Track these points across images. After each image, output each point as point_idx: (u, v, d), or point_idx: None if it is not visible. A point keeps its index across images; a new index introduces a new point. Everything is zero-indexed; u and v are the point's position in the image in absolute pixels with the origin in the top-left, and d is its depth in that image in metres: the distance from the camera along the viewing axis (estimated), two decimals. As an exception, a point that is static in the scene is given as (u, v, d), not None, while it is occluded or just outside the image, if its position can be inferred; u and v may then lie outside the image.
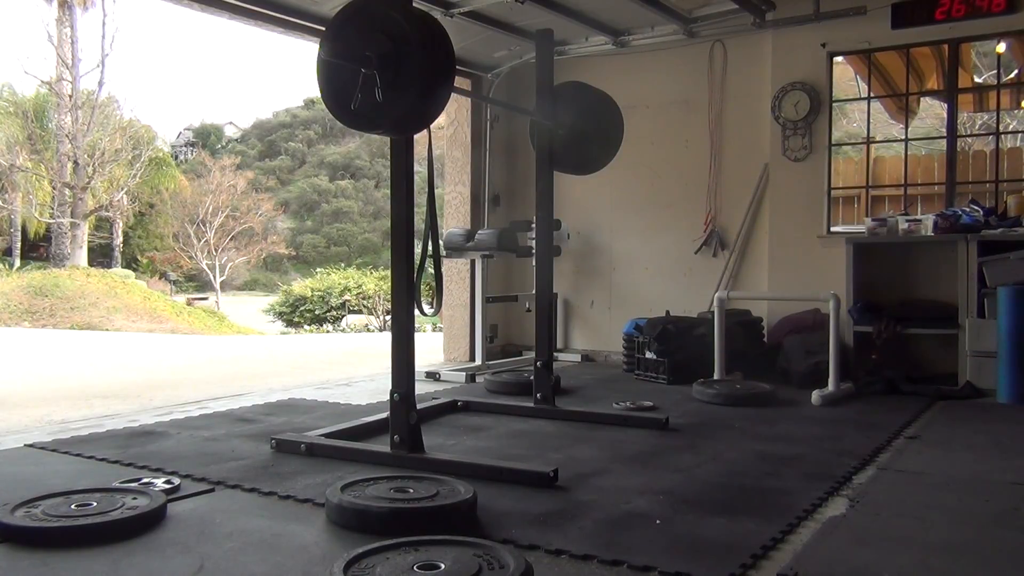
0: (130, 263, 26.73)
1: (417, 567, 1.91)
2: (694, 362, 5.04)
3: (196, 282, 28.81)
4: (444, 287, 4.23)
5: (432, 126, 3.03)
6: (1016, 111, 6.86)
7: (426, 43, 2.71)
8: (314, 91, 24.91)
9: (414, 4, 2.85)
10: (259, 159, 37.56)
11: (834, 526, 2.41)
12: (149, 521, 2.34)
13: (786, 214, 5.71)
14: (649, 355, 5.26)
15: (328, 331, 17.23)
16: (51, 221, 22.10)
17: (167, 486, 2.71)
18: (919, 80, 5.77)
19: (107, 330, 15.75)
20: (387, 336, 3.38)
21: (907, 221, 5.09)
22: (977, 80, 7.09)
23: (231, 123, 42.67)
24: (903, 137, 5.70)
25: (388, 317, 10.88)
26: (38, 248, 25.43)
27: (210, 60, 71.04)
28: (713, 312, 4.94)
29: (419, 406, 3.15)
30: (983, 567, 2.12)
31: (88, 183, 22.07)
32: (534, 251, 4.48)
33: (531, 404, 4.17)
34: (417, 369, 3.27)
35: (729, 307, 5.08)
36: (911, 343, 5.12)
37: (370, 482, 2.56)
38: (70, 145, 21.72)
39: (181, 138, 39.78)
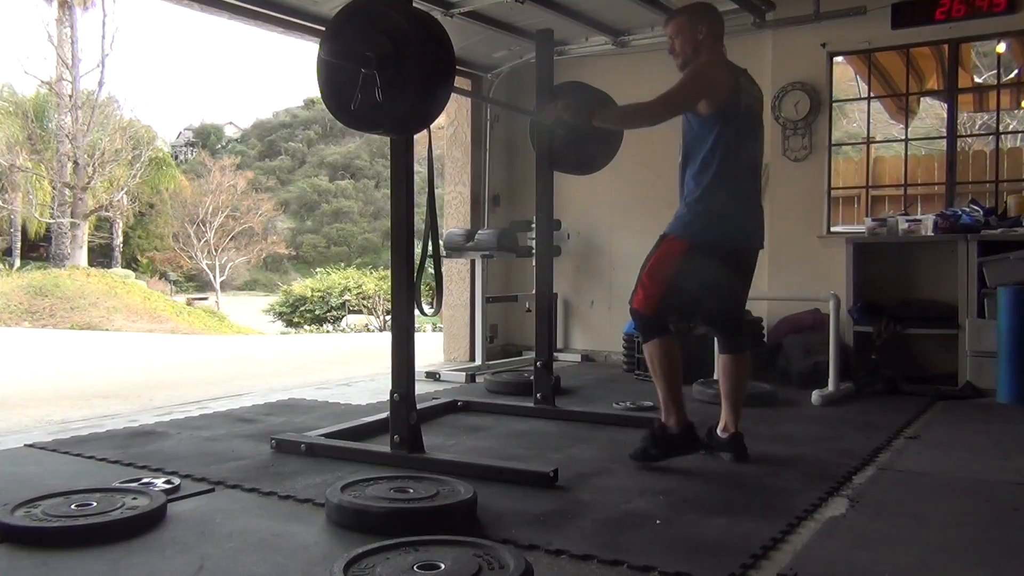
0: (130, 263, 26.74)
1: (417, 567, 1.91)
2: (694, 362, 5.03)
3: (196, 282, 28.81)
4: (444, 287, 4.23)
5: (432, 126, 3.02)
6: (1016, 111, 6.85)
7: (426, 43, 2.71)
8: (314, 91, 24.90)
9: (414, 4, 2.84)
10: (259, 159, 37.55)
11: (834, 526, 2.41)
12: (149, 521, 2.34)
13: (786, 214, 5.70)
14: (649, 355, 5.26)
15: (328, 331, 17.24)
16: (51, 221, 22.12)
17: (167, 486, 2.70)
18: (919, 80, 5.77)
19: (107, 330, 15.76)
20: (387, 336, 3.38)
21: (907, 221, 5.09)
22: (977, 80, 7.09)
23: (231, 123, 42.70)
24: (903, 137, 5.70)
25: (388, 317, 10.87)
26: (38, 248, 25.43)
27: (210, 60, 71.13)
28: (713, 312, 4.94)
29: (419, 406, 3.15)
30: (983, 567, 2.13)
31: (88, 183, 22.08)
32: (534, 251, 4.47)
33: (531, 404, 4.17)
34: (417, 369, 3.27)
35: (729, 307, 5.08)
36: (911, 343, 5.12)
37: (370, 482, 2.56)
38: (70, 145, 21.73)
39: (181, 138, 39.78)
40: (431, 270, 3.18)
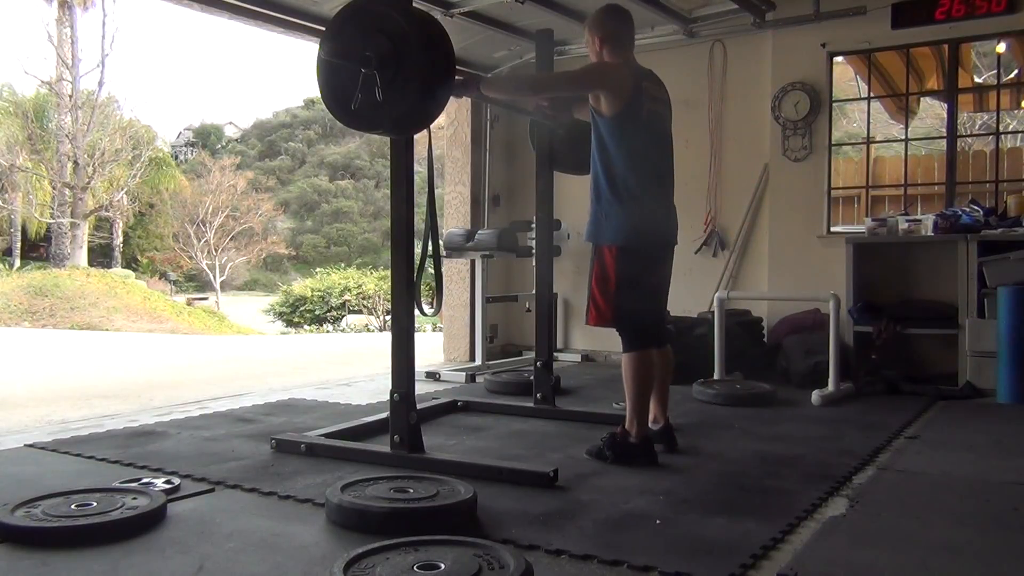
0: (130, 263, 26.72)
1: (417, 567, 1.91)
2: (694, 362, 5.03)
3: (196, 282, 28.80)
4: (444, 287, 4.23)
5: (432, 126, 3.02)
6: (1016, 111, 6.86)
7: (426, 43, 2.71)
8: (314, 91, 24.87)
9: (414, 4, 2.84)
10: (259, 159, 37.53)
11: (834, 526, 2.41)
12: (149, 521, 2.34)
13: (786, 214, 5.71)
14: (649, 355, 5.26)
15: (328, 331, 17.23)
16: (51, 221, 22.11)
17: (167, 486, 2.71)
18: (919, 80, 5.78)
19: (107, 330, 15.75)
20: (387, 336, 3.38)
21: (907, 221, 5.09)
22: (977, 80, 7.09)
23: (231, 123, 42.66)
24: (903, 137, 5.70)
25: (388, 317, 10.87)
26: (38, 248, 25.42)
27: (210, 60, 71.11)
28: (713, 312, 4.94)
29: (419, 406, 3.15)
30: (983, 567, 2.13)
31: (88, 183, 22.07)
32: (534, 251, 4.48)
33: (531, 404, 4.17)
34: (417, 369, 3.27)
35: (729, 307, 5.08)
36: (911, 343, 5.12)
37: (370, 482, 2.56)
38: (70, 145, 21.72)
39: (181, 138, 39.76)
40: (431, 270, 3.18)
